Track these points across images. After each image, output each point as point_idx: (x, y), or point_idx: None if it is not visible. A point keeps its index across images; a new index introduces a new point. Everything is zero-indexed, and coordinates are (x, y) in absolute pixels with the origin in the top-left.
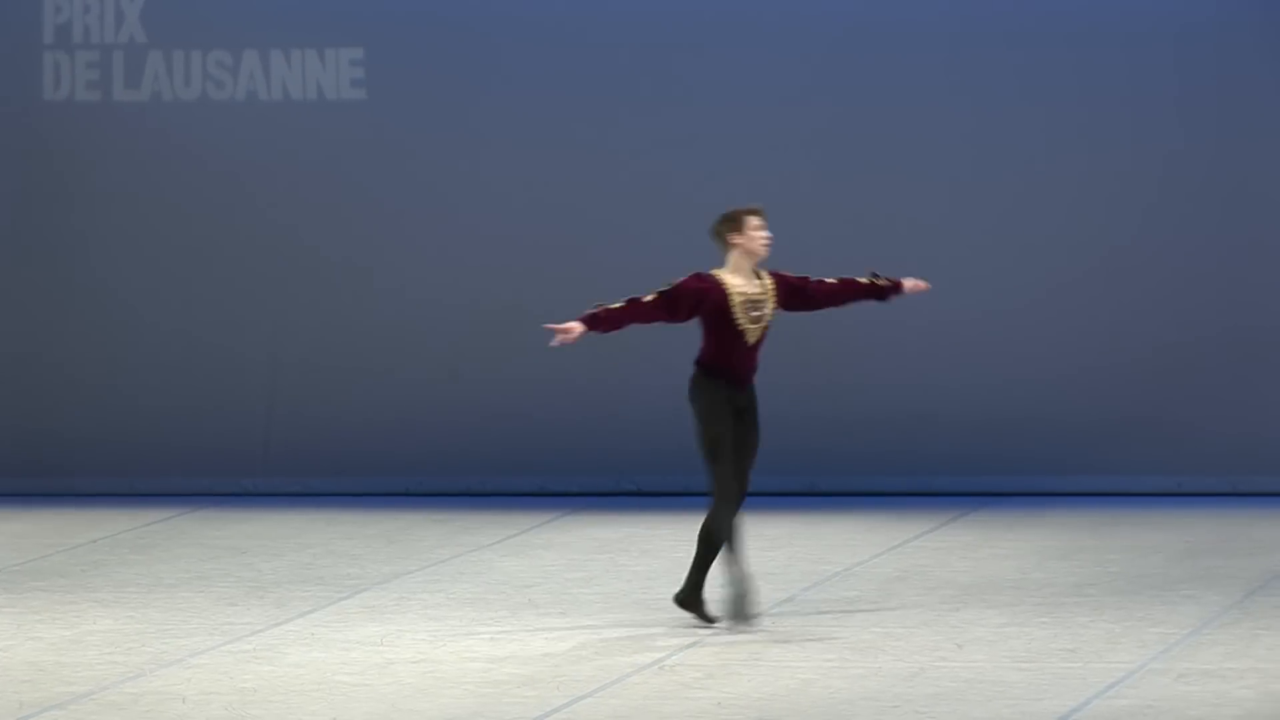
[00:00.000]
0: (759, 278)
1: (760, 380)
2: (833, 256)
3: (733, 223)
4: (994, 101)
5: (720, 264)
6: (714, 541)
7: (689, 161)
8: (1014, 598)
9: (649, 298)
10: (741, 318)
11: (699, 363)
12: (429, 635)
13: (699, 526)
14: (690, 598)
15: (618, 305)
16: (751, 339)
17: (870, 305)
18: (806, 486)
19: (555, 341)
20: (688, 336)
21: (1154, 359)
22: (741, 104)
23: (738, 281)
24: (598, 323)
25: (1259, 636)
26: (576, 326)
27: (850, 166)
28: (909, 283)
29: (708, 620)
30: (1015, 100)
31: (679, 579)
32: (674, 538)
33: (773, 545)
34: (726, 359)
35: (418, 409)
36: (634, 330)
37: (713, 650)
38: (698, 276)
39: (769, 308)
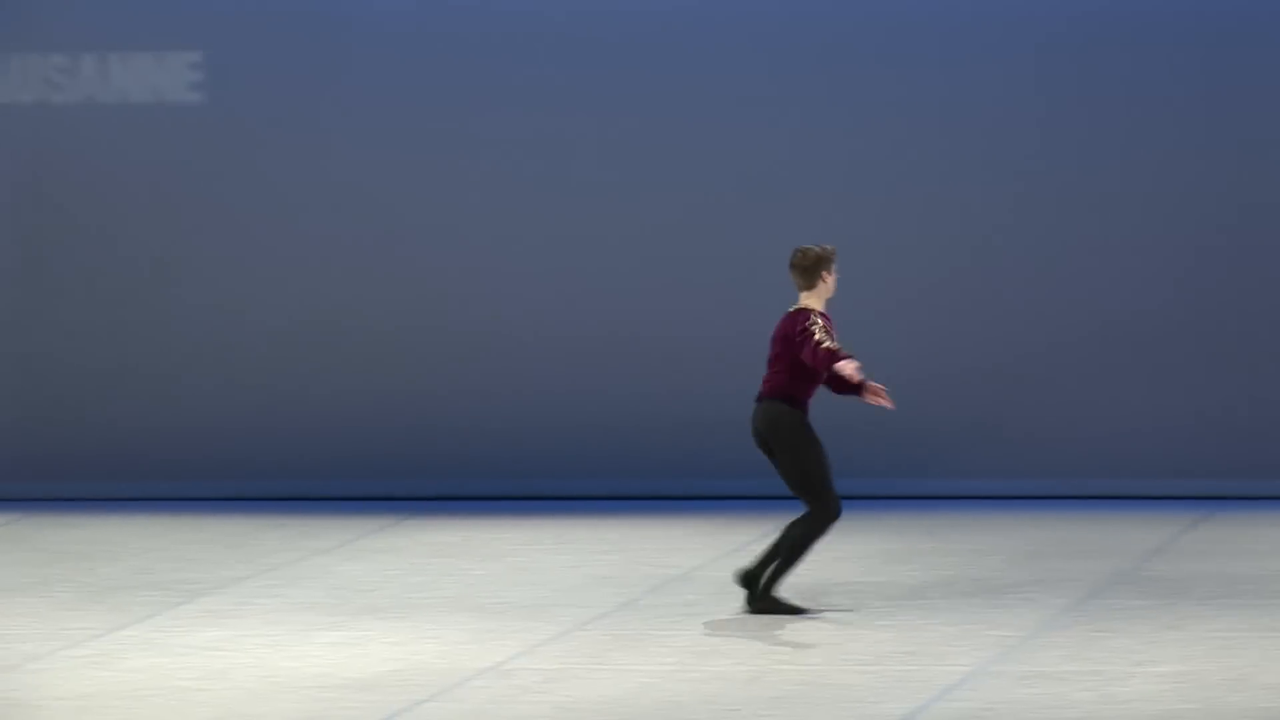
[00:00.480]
0: None
1: (606, 383)
2: (674, 268)
3: (829, 262)
4: (848, 114)
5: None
6: (801, 550)
7: (532, 164)
8: (854, 601)
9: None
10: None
11: (794, 399)
12: (268, 640)
13: (784, 532)
14: (769, 600)
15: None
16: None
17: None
18: (650, 490)
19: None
20: (506, 347)
21: (993, 364)
22: (578, 106)
23: None
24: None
25: (1097, 639)
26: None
27: (683, 178)
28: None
29: (797, 611)
30: (862, 112)
31: (518, 582)
32: (513, 541)
33: (613, 548)
34: (811, 392)
35: (256, 412)
36: (460, 340)
37: (553, 654)
38: (825, 316)
39: None
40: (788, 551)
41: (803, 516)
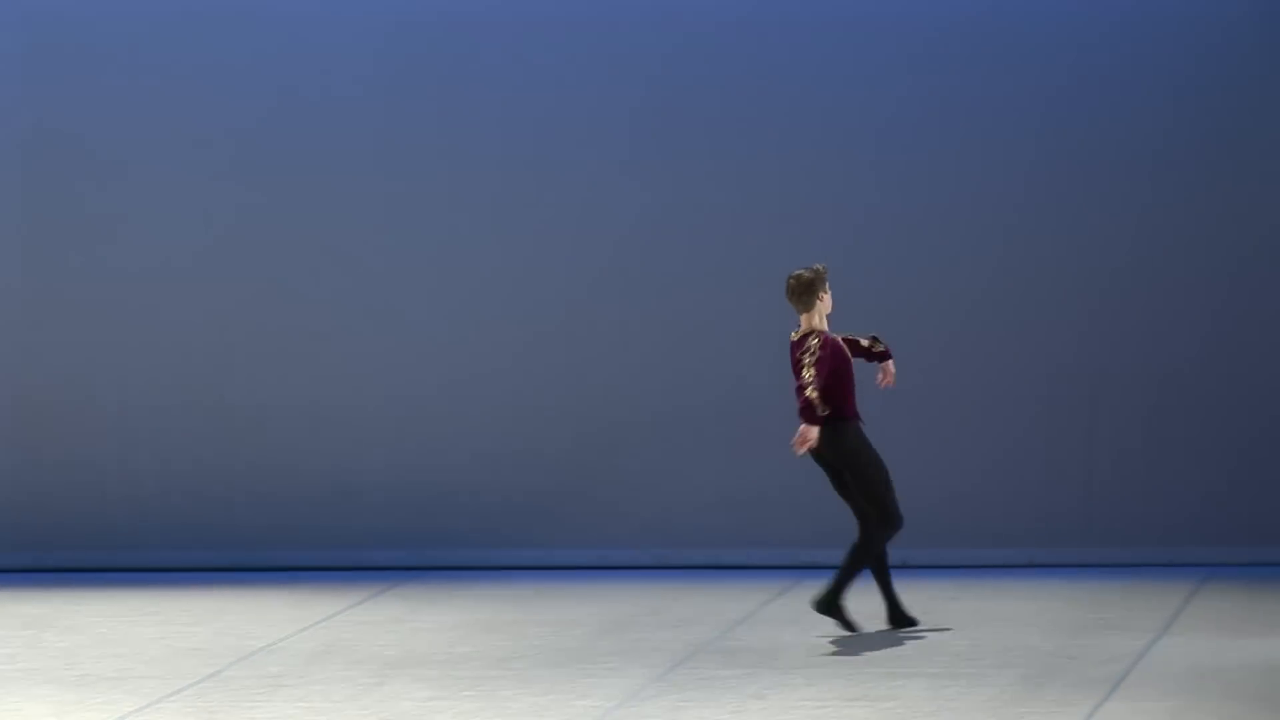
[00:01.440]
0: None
1: (196, 452)
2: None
3: (822, 282)
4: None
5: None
6: (868, 557)
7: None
8: (440, 671)
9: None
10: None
11: (848, 415)
12: None
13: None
14: (836, 605)
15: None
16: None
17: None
18: (233, 561)
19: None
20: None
21: (579, 434)
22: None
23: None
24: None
25: (683, 709)
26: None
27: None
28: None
29: (851, 628)
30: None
31: (103, 654)
32: (97, 613)
33: (198, 620)
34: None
35: None
36: (67, 402)
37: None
38: (824, 334)
39: None
40: (852, 562)
41: (865, 529)
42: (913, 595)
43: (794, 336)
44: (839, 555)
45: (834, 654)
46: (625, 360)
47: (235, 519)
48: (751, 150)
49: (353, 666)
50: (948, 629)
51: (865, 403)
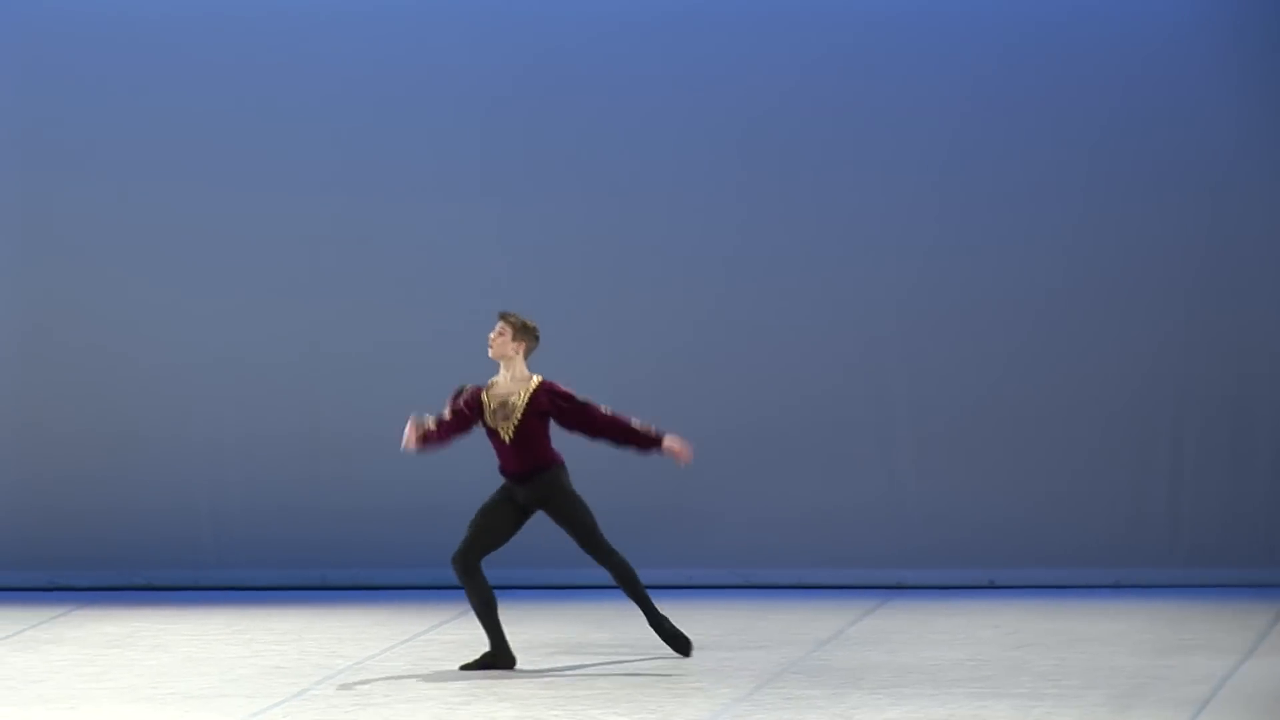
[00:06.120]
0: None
1: (283, 474)
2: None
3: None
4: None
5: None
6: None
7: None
8: (526, 691)
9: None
10: (490, 418)
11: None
12: None
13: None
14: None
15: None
16: (505, 437)
17: None
18: (320, 580)
19: None
20: (172, 438)
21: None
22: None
23: (497, 381)
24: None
25: None
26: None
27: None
28: (669, 441)
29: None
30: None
31: (189, 673)
32: (184, 632)
33: (284, 639)
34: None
35: None
36: (136, 424)
37: None
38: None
39: (518, 411)
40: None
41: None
42: (1000, 616)
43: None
44: (926, 575)
45: (921, 674)
46: (710, 380)
47: (322, 537)
48: (838, 175)
49: (439, 686)
50: (1034, 649)
51: (937, 425)
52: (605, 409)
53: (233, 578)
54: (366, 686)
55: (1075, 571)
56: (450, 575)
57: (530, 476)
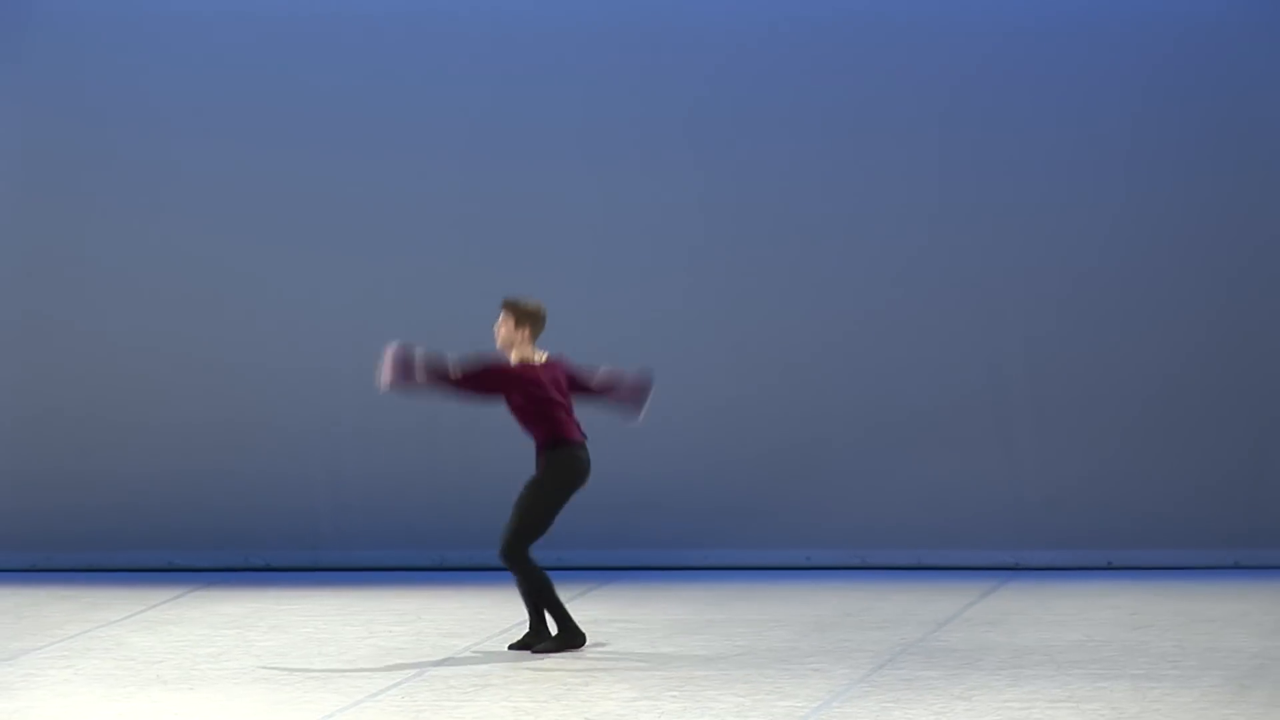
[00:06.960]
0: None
1: (398, 459)
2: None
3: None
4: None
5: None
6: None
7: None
8: (644, 672)
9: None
10: None
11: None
12: (58, 712)
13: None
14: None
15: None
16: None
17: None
18: (438, 561)
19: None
20: (290, 425)
21: (783, 435)
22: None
23: None
24: None
25: (888, 710)
26: None
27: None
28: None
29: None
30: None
31: (308, 654)
32: (302, 613)
33: (403, 620)
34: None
35: (42, 483)
36: (276, 409)
37: None
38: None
39: None
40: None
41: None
42: (1119, 597)
43: (541, 360)
44: (1044, 556)
45: (1039, 655)
46: (829, 362)
47: (441, 521)
48: (948, 155)
49: (557, 666)
50: (1153, 630)
51: (1056, 406)
52: (596, 377)
53: (351, 559)
54: (484, 667)
55: (1194, 552)
56: (567, 557)
57: (541, 451)
